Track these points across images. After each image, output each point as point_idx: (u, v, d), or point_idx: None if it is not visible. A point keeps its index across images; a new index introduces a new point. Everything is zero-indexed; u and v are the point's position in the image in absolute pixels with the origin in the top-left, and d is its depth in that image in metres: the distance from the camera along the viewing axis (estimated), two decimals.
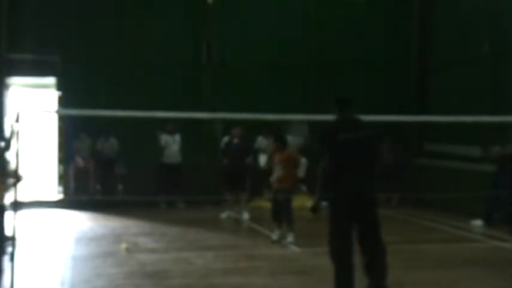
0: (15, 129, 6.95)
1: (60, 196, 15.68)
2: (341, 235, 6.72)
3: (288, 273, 8.67)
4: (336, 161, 6.67)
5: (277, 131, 12.33)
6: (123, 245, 10.04)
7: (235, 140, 13.62)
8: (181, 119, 13.46)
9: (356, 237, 6.76)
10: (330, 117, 7.20)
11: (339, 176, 6.65)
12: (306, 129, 11.42)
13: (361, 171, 6.69)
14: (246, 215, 13.41)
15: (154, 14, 16.05)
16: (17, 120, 6.77)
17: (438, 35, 16.45)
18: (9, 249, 7.13)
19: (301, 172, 10.71)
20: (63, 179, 15.78)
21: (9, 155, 7.60)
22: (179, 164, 15.25)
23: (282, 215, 10.67)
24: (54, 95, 15.75)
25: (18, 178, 7.08)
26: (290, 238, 10.56)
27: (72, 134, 15.43)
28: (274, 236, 10.78)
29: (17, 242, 7.06)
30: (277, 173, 10.69)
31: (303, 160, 10.71)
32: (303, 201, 12.73)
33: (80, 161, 15.25)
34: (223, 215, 13.61)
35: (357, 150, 6.67)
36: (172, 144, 15.23)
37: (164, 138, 15.17)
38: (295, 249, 10.22)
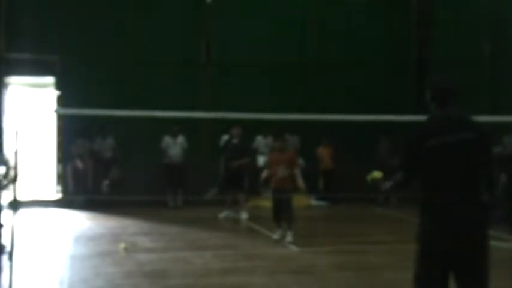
0: (15, 131, 6.94)
1: (59, 195, 15.67)
2: (426, 282, 4.56)
3: (286, 273, 8.65)
4: (425, 176, 4.56)
5: (278, 130, 12.34)
6: (122, 245, 10.02)
7: (235, 140, 13.61)
8: (180, 118, 13.45)
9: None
10: (328, 117, 6.92)
11: (429, 198, 4.53)
12: None
13: (463, 191, 4.46)
14: (244, 215, 13.40)
15: (153, 14, 16.04)
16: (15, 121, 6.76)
17: (437, 35, 16.44)
18: (8, 248, 7.11)
19: (299, 181, 10.75)
20: (61, 178, 15.76)
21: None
22: (181, 164, 15.29)
23: (282, 214, 10.65)
24: (53, 94, 15.73)
25: (14, 178, 7.05)
26: (289, 237, 10.54)
27: (70, 134, 15.41)
28: (276, 235, 10.77)
29: (16, 242, 7.04)
30: (280, 172, 10.62)
31: (300, 161, 10.74)
32: (302, 201, 12.74)
33: (79, 164, 15.24)
34: (222, 214, 13.60)
35: (457, 160, 4.48)
36: (173, 146, 15.29)
37: (166, 140, 15.27)
38: (294, 248, 10.20)
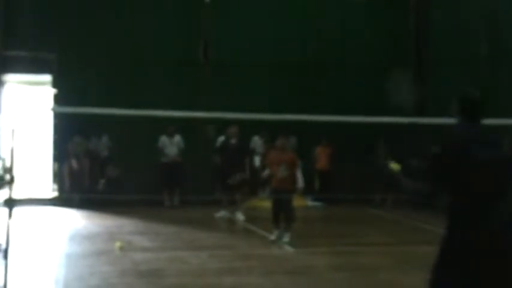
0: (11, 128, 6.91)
1: (55, 194, 15.64)
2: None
3: (282, 273, 8.64)
4: (461, 196, 4.23)
5: (275, 130, 12.34)
6: (117, 244, 9.99)
7: (233, 140, 13.56)
8: (177, 118, 13.44)
9: None
10: (327, 118, 6.88)
11: (463, 219, 4.27)
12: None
13: (501, 214, 4.13)
14: (240, 215, 13.37)
15: (151, 13, 16.01)
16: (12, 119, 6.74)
17: (436, 35, 16.44)
18: (3, 246, 7.08)
19: (300, 182, 10.73)
20: (57, 176, 15.73)
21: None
22: (177, 163, 15.27)
23: (282, 215, 10.62)
24: (49, 92, 15.70)
25: (11, 178, 7.02)
26: (285, 238, 10.52)
27: (66, 132, 15.38)
28: (273, 236, 10.74)
29: (11, 240, 7.01)
30: (281, 173, 10.56)
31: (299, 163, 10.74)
32: (299, 202, 12.72)
33: (74, 163, 15.23)
34: (218, 214, 13.57)
35: (499, 180, 4.17)
36: (169, 146, 15.28)
37: (162, 140, 15.25)
38: (289, 249, 10.18)
